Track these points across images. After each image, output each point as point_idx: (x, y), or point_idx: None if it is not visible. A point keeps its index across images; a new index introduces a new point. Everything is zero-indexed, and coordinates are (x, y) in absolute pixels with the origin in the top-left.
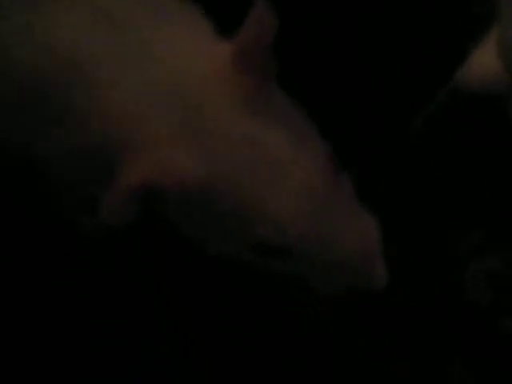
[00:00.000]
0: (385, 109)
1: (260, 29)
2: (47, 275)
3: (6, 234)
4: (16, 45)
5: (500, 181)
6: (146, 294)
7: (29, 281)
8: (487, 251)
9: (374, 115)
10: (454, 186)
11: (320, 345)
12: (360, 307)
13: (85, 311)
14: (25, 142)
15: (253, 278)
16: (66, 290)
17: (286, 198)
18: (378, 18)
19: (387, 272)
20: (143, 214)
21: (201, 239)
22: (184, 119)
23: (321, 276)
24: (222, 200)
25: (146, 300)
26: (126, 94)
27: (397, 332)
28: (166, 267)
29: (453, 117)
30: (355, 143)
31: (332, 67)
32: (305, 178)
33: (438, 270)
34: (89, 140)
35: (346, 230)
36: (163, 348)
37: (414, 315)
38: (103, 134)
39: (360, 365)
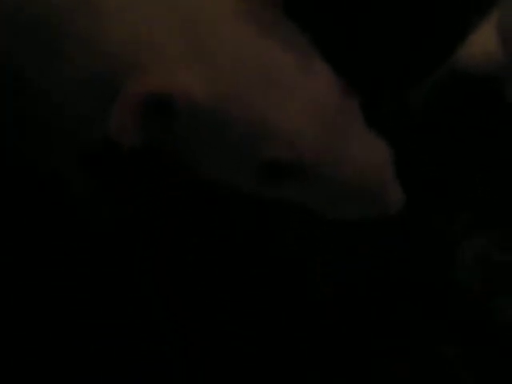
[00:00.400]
0: (382, 82)
1: None
2: (47, 275)
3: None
4: None
5: (492, 163)
6: (146, 294)
7: (28, 281)
8: (476, 233)
9: (371, 88)
10: (445, 167)
11: (320, 345)
12: (356, 306)
13: (85, 311)
14: (30, 75)
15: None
16: (66, 289)
17: (295, 114)
18: None
19: (403, 195)
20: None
21: (208, 168)
22: (192, 40)
23: (333, 203)
24: (231, 118)
25: (146, 300)
26: (134, 18)
27: (390, 326)
28: (166, 267)
29: (448, 96)
30: None
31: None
32: (313, 95)
33: (427, 251)
34: (96, 66)
35: (359, 151)
36: (163, 348)
37: (406, 300)
38: (111, 58)
39: (360, 364)
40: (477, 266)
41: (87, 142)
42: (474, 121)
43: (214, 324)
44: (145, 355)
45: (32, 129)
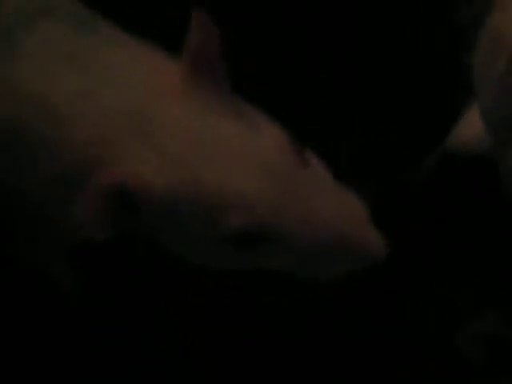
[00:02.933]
0: (378, 164)
1: (204, 38)
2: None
3: None
4: None
5: (492, 242)
6: (145, 294)
7: (29, 281)
8: (483, 309)
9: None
10: (442, 246)
11: (318, 346)
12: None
13: (85, 311)
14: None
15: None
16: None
17: (248, 181)
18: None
19: (384, 242)
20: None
21: (185, 251)
22: (143, 132)
23: (311, 262)
24: (190, 200)
25: (146, 300)
26: (92, 120)
27: None
28: (165, 267)
29: (444, 176)
30: None
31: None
32: (263, 158)
33: (434, 330)
34: (63, 168)
35: (326, 206)
36: (163, 348)
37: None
38: (74, 158)
39: None
40: (482, 343)
41: (71, 236)
42: (471, 201)
43: (214, 324)
44: (145, 355)
45: (20, 227)
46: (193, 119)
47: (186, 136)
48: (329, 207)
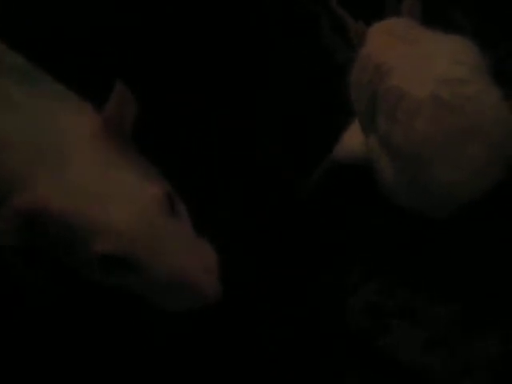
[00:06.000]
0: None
1: (121, 107)
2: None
3: None
4: None
5: (372, 232)
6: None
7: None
8: (364, 285)
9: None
10: (334, 233)
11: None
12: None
13: (85, 311)
14: None
15: None
16: (66, 289)
17: (119, 217)
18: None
19: (221, 287)
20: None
21: (68, 261)
22: (54, 169)
23: (160, 294)
24: (72, 221)
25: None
26: (20, 155)
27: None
28: None
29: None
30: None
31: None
32: (140, 203)
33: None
34: None
35: (179, 248)
36: (163, 347)
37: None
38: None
39: None
40: (366, 312)
41: None
42: (355, 197)
43: (213, 321)
44: (144, 355)
45: None
46: (96, 164)
47: (86, 175)
48: (182, 252)
